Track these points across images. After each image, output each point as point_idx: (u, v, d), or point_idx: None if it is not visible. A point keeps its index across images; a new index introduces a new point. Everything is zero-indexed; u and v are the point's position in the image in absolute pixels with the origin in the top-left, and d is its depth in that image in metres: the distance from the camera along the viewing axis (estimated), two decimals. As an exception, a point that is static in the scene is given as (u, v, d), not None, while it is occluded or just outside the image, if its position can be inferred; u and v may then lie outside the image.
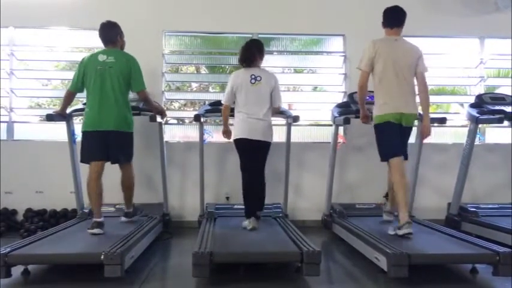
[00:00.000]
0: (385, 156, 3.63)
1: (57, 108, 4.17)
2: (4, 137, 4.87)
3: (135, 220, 4.05)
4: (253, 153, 3.87)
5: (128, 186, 3.94)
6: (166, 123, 4.88)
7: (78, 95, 3.92)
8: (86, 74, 3.70)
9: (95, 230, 3.52)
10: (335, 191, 4.62)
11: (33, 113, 5.37)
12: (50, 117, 3.97)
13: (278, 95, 3.94)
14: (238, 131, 3.87)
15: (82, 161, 3.77)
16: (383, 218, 4.09)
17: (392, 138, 3.60)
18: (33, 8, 4.82)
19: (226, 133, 4.04)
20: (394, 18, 3.72)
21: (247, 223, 3.74)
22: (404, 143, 3.72)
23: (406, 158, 3.71)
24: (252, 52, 3.89)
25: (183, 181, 4.90)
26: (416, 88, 3.69)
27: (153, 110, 4.14)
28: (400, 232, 3.37)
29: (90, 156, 3.68)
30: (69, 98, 3.91)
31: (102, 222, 3.60)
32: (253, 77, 3.83)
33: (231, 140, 3.95)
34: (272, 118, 4.06)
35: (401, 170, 3.52)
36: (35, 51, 5.04)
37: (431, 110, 3.98)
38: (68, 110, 4.13)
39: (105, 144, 3.67)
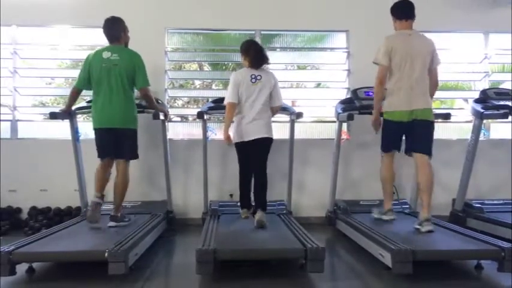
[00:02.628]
0: (383, 148, 3.86)
1: (61, 106, 4.20)
2: (8, 135, 4.89)
3: (122, 225, 3.71)
4: (254, 154, 3.81)
5: (121, 189, 3.76)
6: (170, 121, 4.88)
7: (83, 92, 3.96)
8: (92, 72, 3.71)
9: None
10: (339, 188, 4.61)
11: (36, 112, 5.38)
12: (53, 115, 3.98)
13: (278, 94, 3.89)
14: (238, 133, 3.82)
15: (98, 156, 3.83)
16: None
17: (393, 137, 3.73)
18: (35, 6, 4.82)
19: (229, 139, 3.81)
20: (405, 10, 3.72)
21: (241, 212, 3.98)
22: (421, 138, 3.61)
23: (425, 153, 3.59)
24: (263, 55, 3.85)
25: (186, 178, 4.89)
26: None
27: (154, 108, 4.13)
28: (385, 217, 3.87)
29: (100, 154, 3.79)
30: (75, 95, 3.94)
31: (99, 203, 3.73)
32: (253, 76, 3.79)
33: (233, 143, 3.89)
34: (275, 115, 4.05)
35: (388, 166, 3.85)
36: (37, 50, 5.04)
37: (435, 105, 3.98)
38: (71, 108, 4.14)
39: (112, 142, 3.72)
